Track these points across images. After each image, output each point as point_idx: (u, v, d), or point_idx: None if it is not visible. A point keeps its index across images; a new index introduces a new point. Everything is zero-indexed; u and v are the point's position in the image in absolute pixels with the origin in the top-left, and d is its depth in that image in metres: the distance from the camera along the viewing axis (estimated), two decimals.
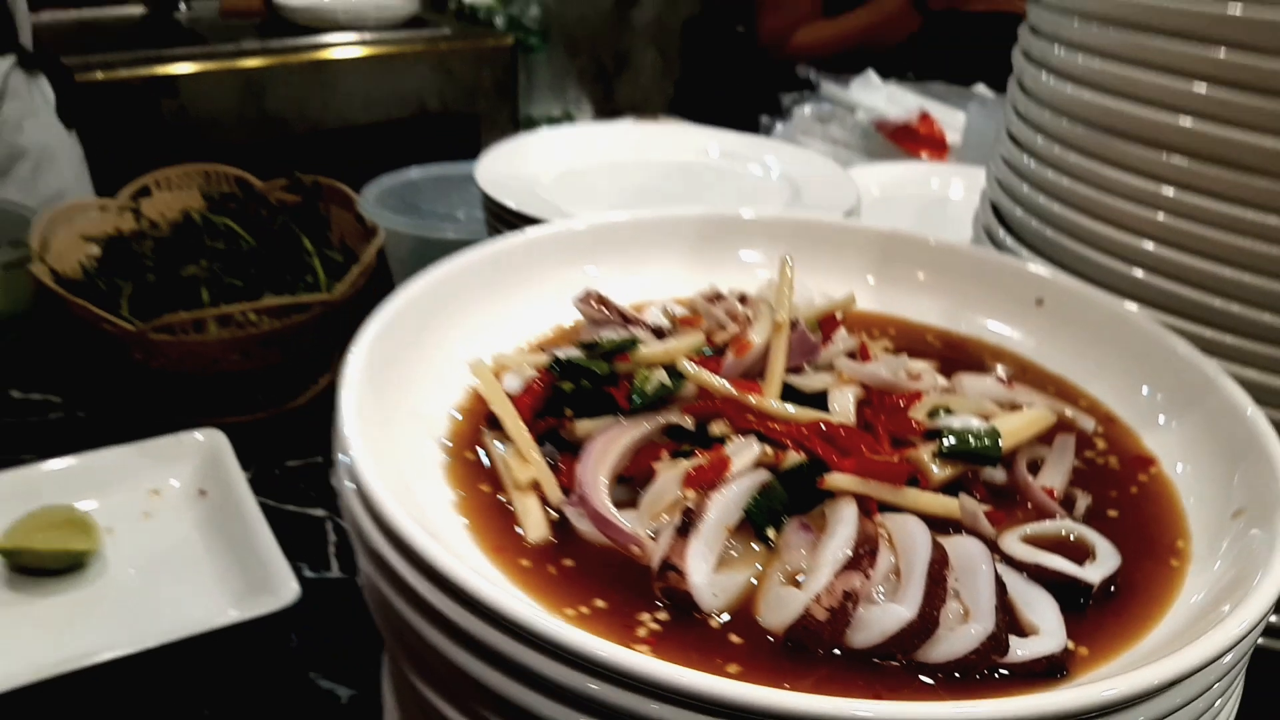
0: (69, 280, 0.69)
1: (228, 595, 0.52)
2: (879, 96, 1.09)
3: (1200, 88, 0.42)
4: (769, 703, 0.22)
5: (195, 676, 0.49)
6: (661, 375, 0.35)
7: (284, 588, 0.50)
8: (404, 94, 1.91)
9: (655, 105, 2.97)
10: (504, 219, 0.60)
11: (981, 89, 1.18)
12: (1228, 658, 0.25)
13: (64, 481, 0.58)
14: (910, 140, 1.01)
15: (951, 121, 1.04)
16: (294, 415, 0.70)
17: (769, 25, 1.74)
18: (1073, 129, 0.48)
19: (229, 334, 0.64)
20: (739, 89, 2.77)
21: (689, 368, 0.34)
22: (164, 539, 0.56)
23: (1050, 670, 0.27)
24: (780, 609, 0.29)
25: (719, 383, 0.34)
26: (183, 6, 2.15)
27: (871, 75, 1.12)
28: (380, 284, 0.73)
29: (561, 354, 0.38)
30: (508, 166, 0.64)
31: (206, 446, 0.61)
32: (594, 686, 0.24)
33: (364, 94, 1.87)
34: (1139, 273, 0.45)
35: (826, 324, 0.40)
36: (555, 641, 0.24)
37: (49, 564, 0.53)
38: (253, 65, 1.82)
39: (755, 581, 0.30)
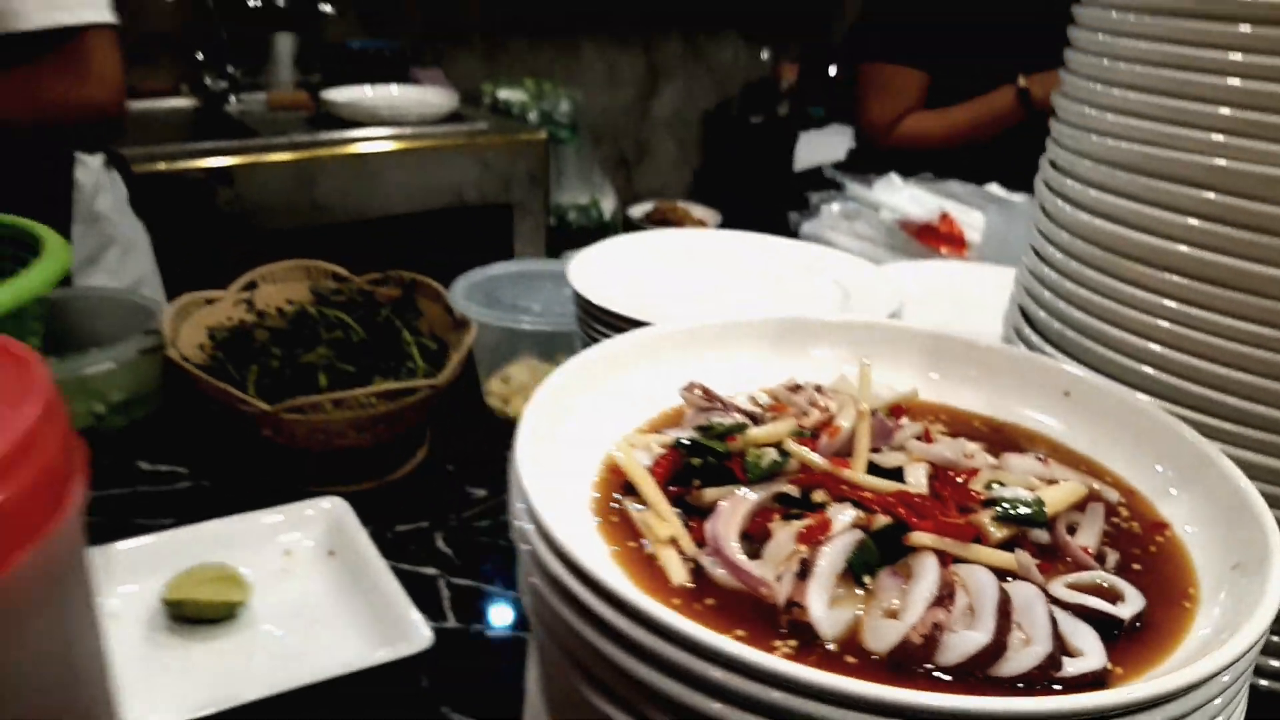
0: (199, 364, 0.79)
1: (365, 642, 0.60)
2: (902, 196, 1.20)
3: (1193, 221, 0.52)
4: (892, 699, 0.31)
5: (341, 714, 0.57)
6: (772, 453, 0.43)
7: (417, 634, 0.58)
8: (443, 185, 2.03)
9: (673, 192, 3.11)
10: (595, 315, 0.69)
11: (994, 188, 1.29)
12: (1226, 676, 0.33)
13: (211, 541, 0.66)
14: (932, 238, 1.11)
15: (969, 220, 1.14)
16: (396, 486, 0.78)
17: (875, 113, 1.74)
18: (1088, 249, 0.58)
19: (350, 414, 0.73)
20: (756, 177, 2.92)
21: (794, 447, 0.43)
22: (301, 594, 0.65)
23: (1094, 682, 0.35)
24: (883, 636, 0.37)
25: (819, 460, 0.43)
26: (233, 99, 2.28)
27: (894, 177, 1.23)
28: (466, 369, 0.82)
29: (680, 435, 0.47)
30: (595, 268, 0.74)
31: (332, 512, 0.69)
32: (764, 691, 0.32)
33: (406, 185, 1.99)
34: (1149, 369, 0.54)
35: (895, 412, 0.49)
36: (733, 657, 0.32)
37: (207, 614, 0.61)
38: (302, 157, 1.94)
39: (859, 615, 0.38)
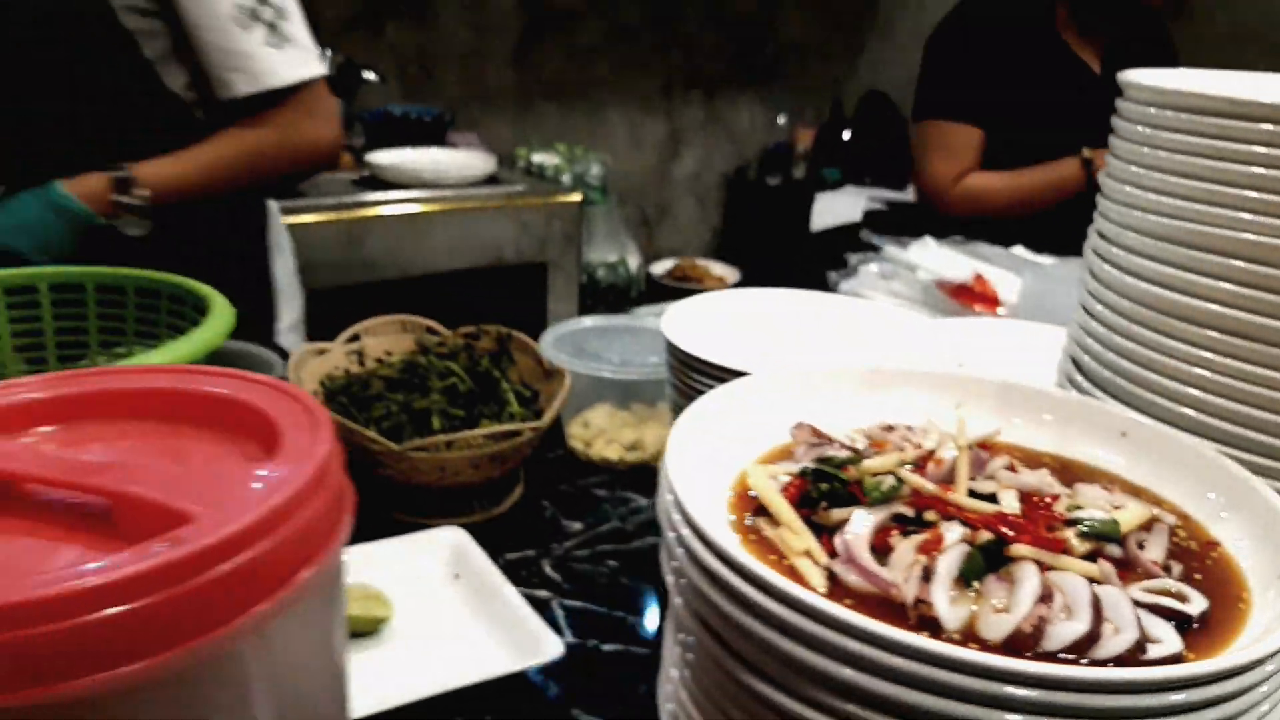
0: None
1: (500, 653, 0.67)
2: (936, 258, 1.29)
3: (1226, 285, 0.61)
4: (1019, 669, 0.39)
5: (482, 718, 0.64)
6: (890, 479, 0.52)
7: (549, 645, 0.66)
8: (483, 244, 2.13)
9: (693, 250, 3.22)
10: (688, 364, 0.78)
11: (1020, 250, 1.38)
12: (1270, 665, 0.41)
13: (354, 565, 0.74)
14: (967, 297, 1.21)
15: (999, 280, 1.24)
16: (500, 519, 0.86)
17: (938, 170, 1.74)
18: (1134, 308, 0.66)
19: (466, 453, 0.81)
20: (774, 237, 3.03)
21: (907, 475, 0.51)
22: (435, 611, 0.72)
23: (1175, 662, 0.43)
24: (997, 627, 0.45)
25: (929, 485, 0.51)
26: None
27: (929, 239, 1.33)
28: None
29: (799, 466, 0.55)
30: (687, 322, 0.82)
31: (453, 540, 0.77)
32: (912, 665, 0.40)
33: (448, 244, 2.10)
34: (1190, 411, 0.63)
35: (983, 447, 0.57)
36: (891, 640, 0.40)
37: (358, 628, 0.69)
38: (350, 217, 2.05)
39: (973, 611, 0.46)
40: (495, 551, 0.80)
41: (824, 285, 1.39)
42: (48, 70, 1.11)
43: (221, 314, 0.69)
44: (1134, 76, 0.68)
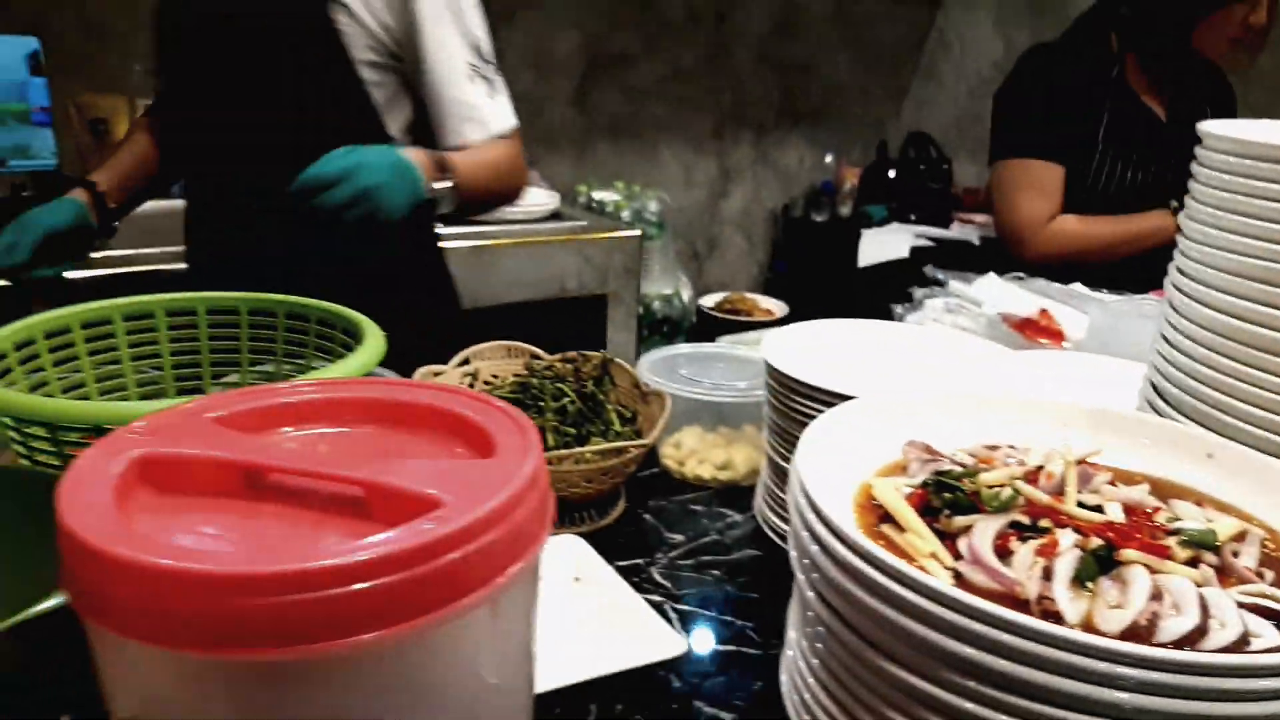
0: None
1: (625, 649, 0.73)
2: (1000, 293, 1.35)
3: None
4: (1144, 653, 0.44)
5: (614, 707, 0.70)
6: (1008, 490, 0.57)
7: (672, 642, 0.71)
8: (549, 276, 2.22)
9: (741, 284, 3.29)
10: (790, 388, 0.84)
11: (1078, 287, 1.44)
12: None
13: None
14: (1032, 330, 1.26)
15: (1063, 314, 1.29)
16: (608, 530, 0.92)
17: (1027, 211, 1.74)
18: (1213, 338, 0.72)
19: (582, 468, 0.87)
20: (821, 272, 3.09)
21: (1024, 487, 0.57)
22: (561, 610, 0.78)
23: (1277, 653, 0.48)
24: (1113, 621, 0.50)
25: (1044, 496, 0.57)
26: None
27: (993, 276, 1.38)
28: None
29: (917, 479, 0.61)
30: (786, 348, 0.88)
31: (572, 546, 0.83)
32: (1044, 650, 0.45)
33: (517, 276, 2.18)
34: (1266, 434, 0.68)
35: (1084, 464, 0.63)
36: (1027, 626, 0.45)
37: None
38: None
39: (1089, 608, 0.52)
40: (606, 559, 0.86)
41: (880, 318, 1.45)
42: (284, 104, 1.23)
43: (375, 339, 0.76)
44: (1212, 128, 0.74)
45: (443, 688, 0.44)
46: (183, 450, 0.46)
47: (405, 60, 1.24)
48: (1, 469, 0.68)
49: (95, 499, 0.42)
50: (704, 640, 0.76)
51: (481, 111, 1.25)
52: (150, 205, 2.25)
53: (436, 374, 1.02)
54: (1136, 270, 1.53)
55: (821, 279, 3.10)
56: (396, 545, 0.39)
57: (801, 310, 2.96)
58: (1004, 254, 1.78)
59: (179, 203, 2.27)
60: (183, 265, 1.51)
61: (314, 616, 0.38)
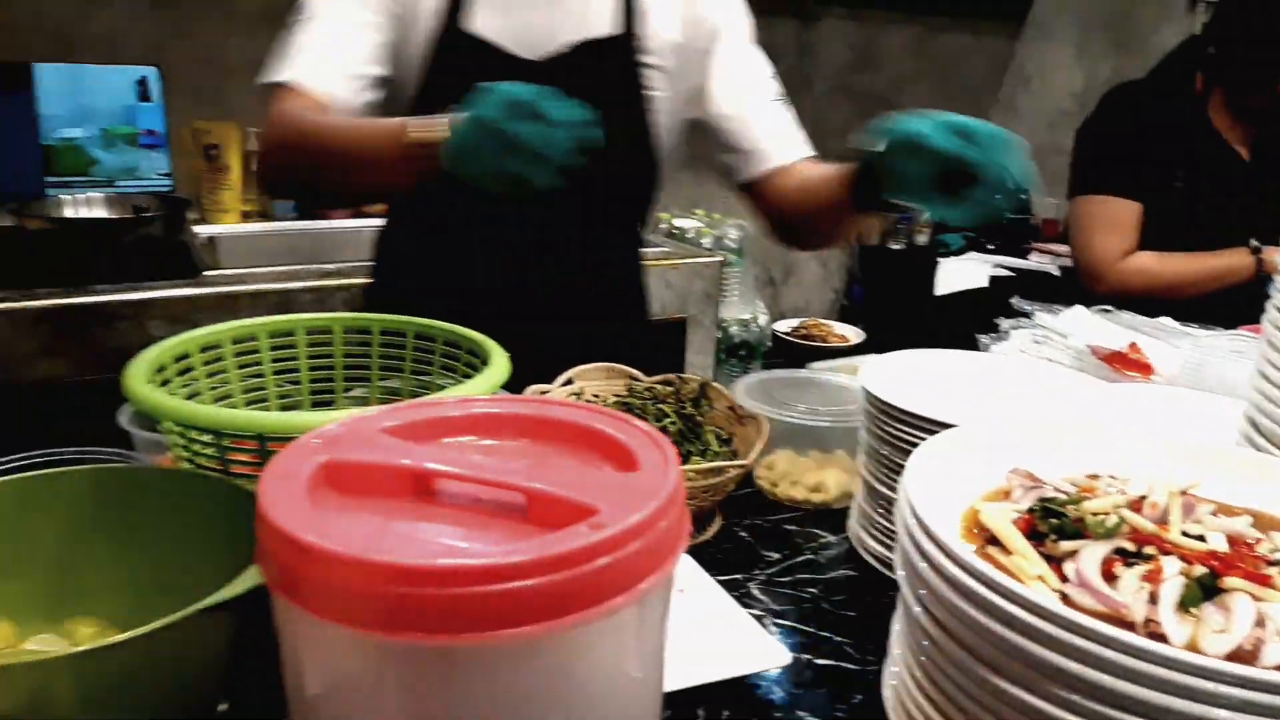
0: None
1: (731, 658, 0.77)
2: (1088, 325, 1.36)
3: None
4: (1244, 674, 0.47)
5: (720, 714, 0.73)
6: (1114, 517, 0.60)
7: (777, 653, 0.75)
8: None
9: (815, 310, 3.31)
10: (888, 414, 0.87)
11: (1166, 321, 1.44)
12: None
13: None
14: (1121, 363, 1.27)
15: (1152, 348, 1.30)
16: (706, 545, 0.96)
17: (1104, 248, 1.76)
18: None
19: (686, 487, 0.91)
20: (897, 301, 3.10)
21: (1129, 514, 0.60)
22: (671, 618, 0.82)
23: None
24: (1218, 645, 0.52)
25: (1148, 524, 0.59)
26: None
27: (1080, 308, 1.40)
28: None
29: (1023, 505, 0.64)
30: (884, 376, 0.92)
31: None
32: (1147, 667, 0.48)
33: None
34: None
35: (1187, 495, 0.65)
36: (1136, 646, 0.48)
37: None
38: None
39: (1193, 631, 0.54)
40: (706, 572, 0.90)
41: (960, 346, 1.47)
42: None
43: (500, 359, 0.81)
44: None
45: (592, 679, 0.48)
46: (362, 457, 0.51)
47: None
48: (169, 470, 0.75)
49: (291, 497, 0.48)
50: (804, 653, 0.79)
51: (797, 133, 1.34)
52: (258, 227, 2.37)
53: (543, 392, 1.07)
54: (1218, 306, 1.53)
55: (898, 307, 3.11)
56: (559, 547, 0.44)
57: (878, 337, 2.97)
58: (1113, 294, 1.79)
59: (283, 225, 2.38)
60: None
61: (484, 607, 0.43)
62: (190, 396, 0.83)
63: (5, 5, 2.17)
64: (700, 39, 1.29)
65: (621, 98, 1.25)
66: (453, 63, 1.16)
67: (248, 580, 0.53)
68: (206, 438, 0.71)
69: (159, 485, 0.71)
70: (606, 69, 1.23)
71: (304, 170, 1.09)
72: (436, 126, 0.88)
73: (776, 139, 1.31)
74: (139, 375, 0.74)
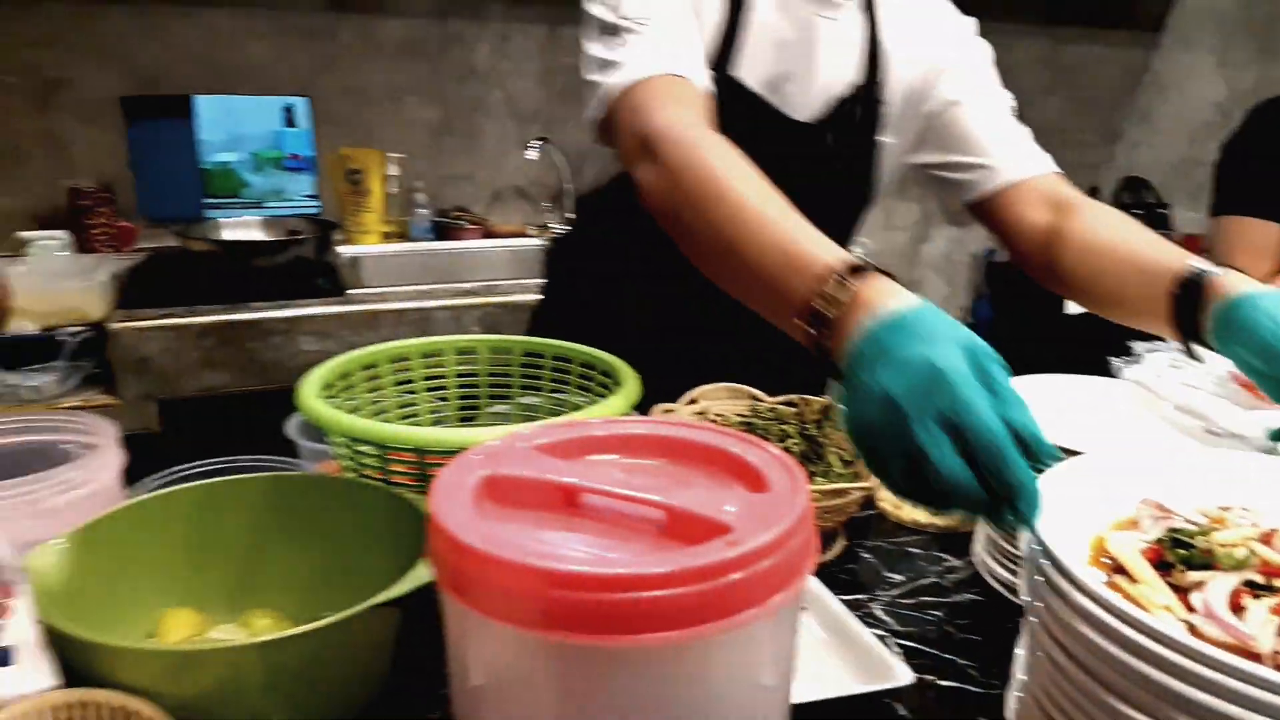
0: None
1: (854, 676, 0.79)
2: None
3: None
4: None
5: None
6: (1243, 550, 0.60)
7: (900, 673, 0.77)
8: None
9: None
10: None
11: None
12: None
13: None
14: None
15: None
16: (830, 565, 0.98)
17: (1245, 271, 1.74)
18: None
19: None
20: (1025, 320, 3.03)
21: (1259, 547, 0.60)
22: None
23: None
24: None
25: (1276, 557, 0.60)
26: None
27: None
28: None
29: (1151, 535, 0.65)
30: None
31: None
32: (1273, 699, 0.49)
33: None
34: None
35: None
36: (1259, 677, 0.49)
37: None
38: None
39: None
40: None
41: (1091, 369, 1.44)
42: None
43: (632, 381, 0.86)
44: None
45: (728, 686, 0.52)
46: (519, 472, 0.57)
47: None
48: (339, 478, 0.83)
49: (459, 507, 0.53)
50: (928, 675, 0.81)
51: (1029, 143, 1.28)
52: (397, 247, 2.50)
53: (667, 411, 1.12)
54: None
55: (1027, 325, 3.04)
56: (699, 561, 0.48)
57: (1005, 356, 2.91)
58: None
59: (420, 245, 2.51)
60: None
61: (632, 612, 0.48)
62: (351, 410, 0.91)
63: (171, 44, 2.37)
64: (930, 78, 1.26)
65: (858, 147, 1.24)
66: (723, 111, 0.99)
67: (413, 580, 0.58)
68: (371, 450, 0.78)
69: (329, 491, 0.78)
70: (852, 122, 1.21)
71: (683, 227, 0.87)
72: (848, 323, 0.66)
73: (1014, 154, 1.25)
74: (310, 391, 0.82)
